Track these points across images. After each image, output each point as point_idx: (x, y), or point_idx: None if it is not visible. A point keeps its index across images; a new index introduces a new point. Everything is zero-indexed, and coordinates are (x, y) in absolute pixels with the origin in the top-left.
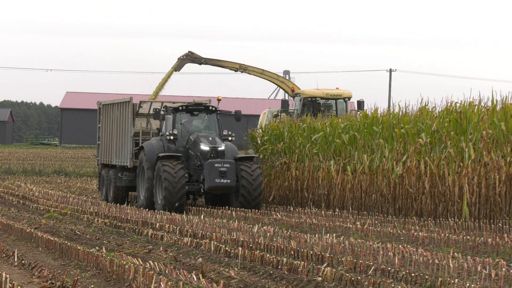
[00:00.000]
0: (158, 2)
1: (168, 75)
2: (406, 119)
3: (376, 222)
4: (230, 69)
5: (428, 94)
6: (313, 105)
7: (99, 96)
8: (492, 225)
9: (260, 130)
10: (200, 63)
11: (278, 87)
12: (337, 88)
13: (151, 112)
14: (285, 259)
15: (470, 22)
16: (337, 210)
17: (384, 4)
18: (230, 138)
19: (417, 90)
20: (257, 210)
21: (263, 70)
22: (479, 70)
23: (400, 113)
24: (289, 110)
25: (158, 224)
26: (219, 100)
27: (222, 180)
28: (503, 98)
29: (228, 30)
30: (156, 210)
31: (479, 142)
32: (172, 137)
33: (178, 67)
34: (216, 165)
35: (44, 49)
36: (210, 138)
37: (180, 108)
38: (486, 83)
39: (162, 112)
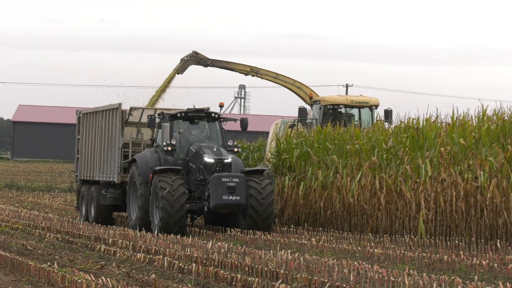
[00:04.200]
0: (110, 14)
1: (169, 79)
2: (359, 135)
3: (331, 238)
4: (240, 72)
5: (384, 109)
6: (334, 113)
7: (52, 109)
8: (448, 242)
9: (273, 143)
10: (206, 65)
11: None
12: (360, 95)
13: (143, 120)
14: (239, 275)
15: (427, 37)
16: (292, 226)
17: (339, 18)
18: (235, 150)
19: None
20: (210, 226)
21: (277, 74)
22: (436, 86)
23: (353, 129)
24: (307, 120)
25: (111, 239)
26: (221, 106)
27: (230, 197)
28: (461, 114)
29: (184, 43)
30: (153, 233)
31: (436, 158)
32: (169, 148)
33: (181, 69)
34: (223, 179)
35: None
36: (215, 149)
37: (179, 115)
38: (443, 99)
39: (158, 120)
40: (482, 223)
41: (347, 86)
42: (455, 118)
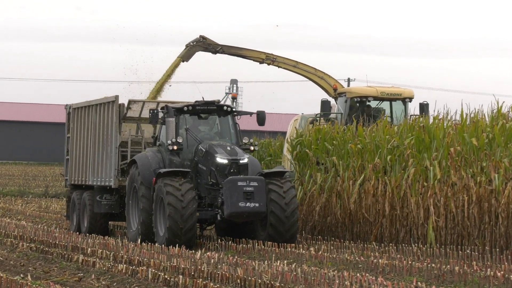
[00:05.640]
0: (85, 1)
1: (173, 67)
2: (361, 133)
3: (331, 247)
4: (254, 60)
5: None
6: (362, 107)
7: (25, 106)
8: (460, 252)
9: (291, 141)
10: (215, 52)
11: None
12: (392, 86)
13: (143, 115)
14: None
15: (433, 30)
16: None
17: (341, 11)
18: (252, 148)
19: None
20: (202, 234)
21: (296, 62)
22: (444, 80)
23: (355, 128)
24: (331, 115)
25: (89, 249)
26: (234, 98)
27: (248, 204)
28: (473, 111)
29: (166, 34)
30: (159, 244)
31: (445, 160)
32: (175, 147)
33: (186, 56)
34: (239, 183)
35: None
36: (229, 148)
37: (185, 108)
38: (452, 95)
39: (161, 114)
40: (496, 230)
41: (348, 80)
42: (465, 116)
